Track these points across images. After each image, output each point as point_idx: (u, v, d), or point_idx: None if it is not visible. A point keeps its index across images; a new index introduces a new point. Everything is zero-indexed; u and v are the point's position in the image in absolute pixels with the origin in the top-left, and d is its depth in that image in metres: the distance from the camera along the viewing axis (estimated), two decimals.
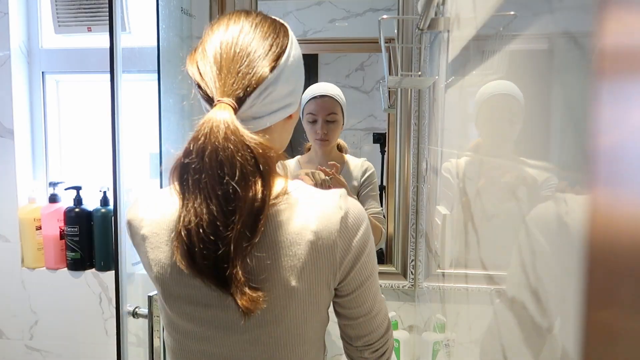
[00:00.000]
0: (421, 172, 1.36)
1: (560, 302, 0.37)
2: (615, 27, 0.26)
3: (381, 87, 1.47)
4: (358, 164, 1.46)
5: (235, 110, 0.61)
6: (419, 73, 1.33)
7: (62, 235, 1.59)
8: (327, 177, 1.28)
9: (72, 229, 1.56)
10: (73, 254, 1.57)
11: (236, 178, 0.58)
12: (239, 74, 0.62)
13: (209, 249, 0.59)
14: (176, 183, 0.62)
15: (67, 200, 1.60)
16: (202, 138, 0.59)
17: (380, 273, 1.42)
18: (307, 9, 1.47)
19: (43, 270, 1.61)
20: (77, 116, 1.73)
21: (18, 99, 1.60)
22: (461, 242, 0.75)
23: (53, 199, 1.59)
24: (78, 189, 1.57)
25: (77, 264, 1.58)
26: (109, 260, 1.57)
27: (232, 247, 0.58)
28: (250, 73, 0.63)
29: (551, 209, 0.39)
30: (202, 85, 0.64)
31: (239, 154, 0.58)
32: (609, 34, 0.27)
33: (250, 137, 0.59)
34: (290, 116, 0.72)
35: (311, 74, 1.49)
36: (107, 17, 1.39)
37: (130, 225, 0.70)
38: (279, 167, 0.66)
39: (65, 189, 1.58)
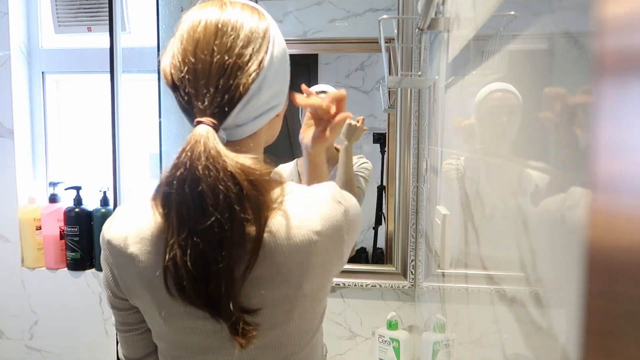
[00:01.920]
0: (421, 172, 1.36)
1: (560, 302, 0.37)
2: (615, 27, 0.26)
3: (381, 87, 1.47)
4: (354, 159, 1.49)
5: (217, 127, 0.58)
6: (419, 73, 1.33)
7: (62, 235, 1.59)
8: (356, 123, 1.40)
9: (72, 229, 1.56)
10: (73, 254, 1.57)
11: (220, 208, 0.55)
12: (219, 88, 0.59)
13: (199, 282, 0.57)
14: (159, 211, 0.59)
15: (67, 200, 1.60)
16: (182, 167, 0.56)
17: (380, 273, 1.45)
18: (307, 9, 1.47)
19: (43, 270, 1.61)
20: (77, 116, 1.73)
21: (18, 99, 1.60)
22: (461, 242, 0.75)
23: (53, 199, 1.60)
24: (78, 189, 1.57)
25: (77, 264, 1.58)
26: None
27: (222, 282, 0.56)
28: (232, 86, 0.59)
29: (551, 209, 0.39)
30: (178, 96, 0.61)
31: (222, 183, 0.55)
32: (609, 34, 0.27)
33: (232, 161, 0.56)
34: (277, 115, 0.68)
35: (311, 74, 1.49)
36: (107, 17, 1.39)
37: (111, 244, 0.63)
38: (274, 174, 0.62)
39: (65, 189, 1.58)
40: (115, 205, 1.46)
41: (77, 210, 1.57)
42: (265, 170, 0.59)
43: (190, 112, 0.61)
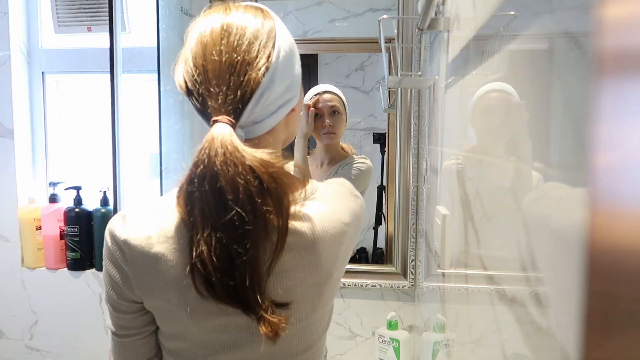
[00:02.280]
0: (421, 172, 1.36)
1: (560, 302, 0.37)
2: (615, 27, 0.26)
3: (381, 87, 1.47)
4: (356, 158, 1.49)
5: (234, 125, 0.59)
6: (419, 73, 1.33)
7: (62, 235, 1.59)
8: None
9: (72, 229, 1.56)
10: (73, 254, 1.57)
11: (240, 202, 0.56)
12: (232, 85, 0.60)
13: (226, 277, 0.57)
14: (183, 209, 0.60)
15: (67, 200, 1.60)
16: (202, 165, 0.57)
17: (380, 273, 1.45)
18: (307, 9, 1.47)
19: (43, 270, 1.61)
20: (77, 116, 1.73)
21: (18, 99, 1.60)
22: (461, 242, 0.75)
23: (53, 199, 1.60)
24: (78, 189, 1.57)
25: (77, 264, 1.58)
26: None
27: (247, 274, 0.57)
28: (243, 82, 0.60)
29: (551, 209, 0.39)
30: (192, 100, 0.62)
31: (241, 177, 0.56)
32: (609, 34, 0.27)
33: (251, 156, 0.57)
34: (293, 109, 0.69)
35: (311, 74, 1.49)
36: (107, 17, 1.39)
37: (128, 245, 0.62)
38: (297, 172, 0.65)
39: (65, 189, 1.58)
40: (115, 205, 1.46)
41: (77, 210, 1.57)
42: (283, 163, 0.60)
43: (206, 113, 0.61)
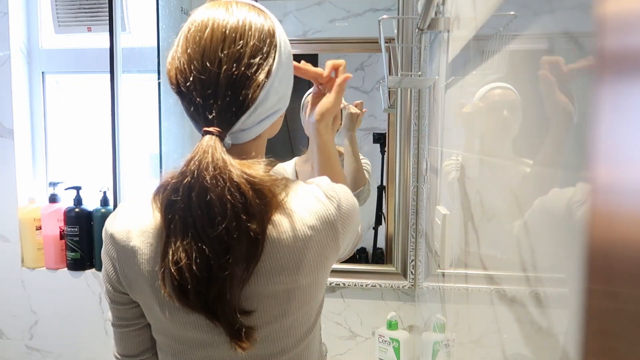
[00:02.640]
0: (421, 172, 1.36)
1: (560, 302, 0.37)
2: (615, 27, 0.26)
3: (381, 87, 1.47)
4: None
5: (224, 135, 0.60)
6: (419, 73, 1.33)
7: (62, 235, 1.59)
8: (357, 111, 1.42)
9: (72, 229, 1.56)
10: (73, 254, 1.57)
11: (228, 217, 0.56)
12: (227, 99, 0.60)
13: (202, 286, 0.58)
14: (160, 214, 0.60)
15: (67, 200, 1.60)
16: (189, 177, 0.57)
17: (380, 273, 1.45)
18: (307, 9, 1.47)
19: (43, 270, 1.61)
20: (77, 116, 1.73)
21: (18, 99, 1.60)
22: (461, 242, 0.75)
23: (53, 199, 1.60)
24: (78, 189, 1.57)
25: (77, 264, 1.58)
26: None
27: (227, 287, 0.58)
28: (240, 97, 0.60)
29: (551, 208, 0.39)
30: (183, 102, 0.62)
31: (229, 193, 0.56)
32: (609, 34, 0.27)
33: (238, 171, 0.57)
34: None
35: None
36: (107, 17, 1.39)
37: (114, 238, 0.64)
38: (276, 173, 0.64)
39: (65, 189, 1.58)
40: (115, 205, 1.46)
41: (77, 210, 1.57)
42: (267, 177, 0.60)
43: (198, 120, 0.62)
